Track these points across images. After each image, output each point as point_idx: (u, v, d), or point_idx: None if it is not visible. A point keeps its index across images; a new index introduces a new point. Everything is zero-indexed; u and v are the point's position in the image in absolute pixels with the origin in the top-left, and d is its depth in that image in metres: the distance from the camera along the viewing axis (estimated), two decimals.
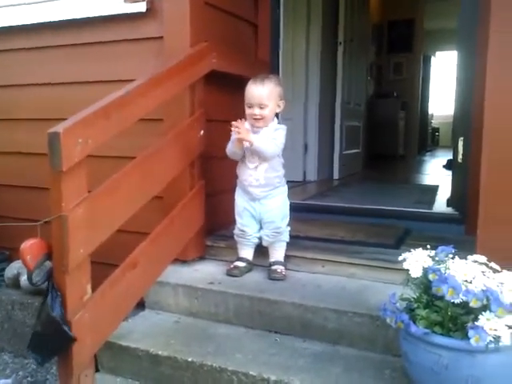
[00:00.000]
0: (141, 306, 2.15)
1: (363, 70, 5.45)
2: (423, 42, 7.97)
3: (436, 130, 11.41)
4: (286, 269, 2.18)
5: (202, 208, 2.33)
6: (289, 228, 2.22)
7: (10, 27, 2.71)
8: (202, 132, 2.28)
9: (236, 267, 2.21)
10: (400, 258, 1.52)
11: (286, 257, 2.24)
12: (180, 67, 2.04)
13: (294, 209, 2.87)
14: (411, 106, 7.77)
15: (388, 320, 1.42)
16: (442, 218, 2.72)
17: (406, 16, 7.50)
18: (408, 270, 1.45)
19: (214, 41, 2.31)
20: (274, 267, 2.17)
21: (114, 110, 1.71)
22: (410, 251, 1.51)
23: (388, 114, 7.11)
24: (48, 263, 1.64)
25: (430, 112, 10.29)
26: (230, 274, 2.19)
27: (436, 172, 5.69)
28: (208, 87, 2.32)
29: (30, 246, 1.60)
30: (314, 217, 2.88)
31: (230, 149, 2.12)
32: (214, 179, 2.47)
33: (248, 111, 2.08)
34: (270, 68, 2.86)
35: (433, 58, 10.41)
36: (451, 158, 5.96)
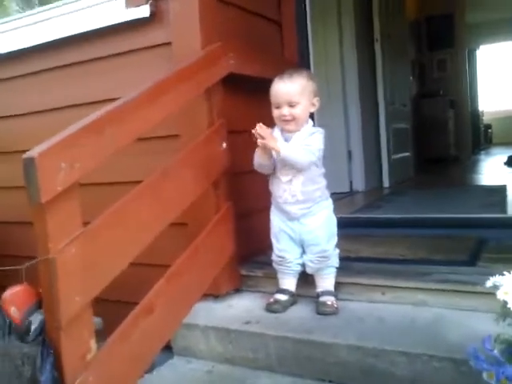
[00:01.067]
0: (168, 351, 1.83)
1: (405, 67, 5.02)
2: (466, 36, 7.44)
3: (488, 126, 10.70)
4: (337, 299, 1.80)
5: (231, 233, 1.99)
6: (337, 250, 1.84)
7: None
8: (224, 145, 1.95)
9: (276, 301, 1.84)
10: (488, 284, 1.13)
11: (337, 284, 1.86)
12: (189, 71, 1.73)
13: (342, 224, 2.47)
14: (460, 103, 7.22)
15: (485, 376, 1.01)
16: None
17: (445, 11, 7.03)
18: (505, 302, 1.04)
19: (230, 41, 1.99)
20: (322, 299, 1.79)
21: (108, 124, 1.40)
22: (490, 268, 1.11)
23: (435, 113, 6.59)
24: (41, 313, 1.35)
25: (479, 108, 9.63)
26: (269, 309, 1.82)
27: (497, 171, 5.15)
28: (228, 94, 2.00)
29: (13, 295, 1.33)
30: (366, 232, 2.48)
31: (257, 161, 1.78)
32: (246, 198, 2.13)
33: (276, 113, 1.74)
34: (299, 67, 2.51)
35: (477, 53, 9.80)
36: None
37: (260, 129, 1.66)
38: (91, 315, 1.40)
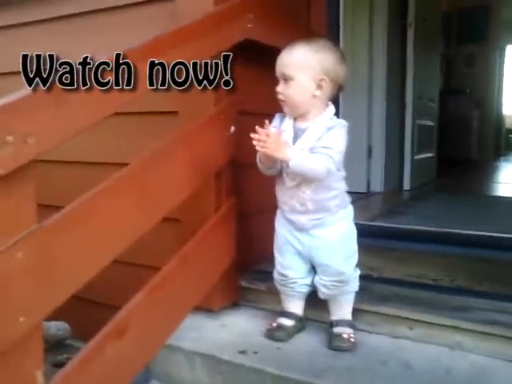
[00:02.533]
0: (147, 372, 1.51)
1: (436, 59, 4.61)
2: (499, 32, 6.98)
3: (510, 131, 10.22)
4: (355, 331, 1.46)
5: (232, 236, 1.65)
6: (358, 272, 1.49)
7: None
8: (232, 129, 1.59)
9: (280, 326, 1.50)
10: None
11: (354, 310, 1.52)
12: (194, 31, 1.36)
13: (360, 233, 2.15)
14: (485, 104, 6.81)
15: None
16: None
17: (481, 3, 6.58)
18: None
19: (249, 1, 1.62)
20: (337, 330, 1.45)
21: (74, 91, 1.04)
22: None
23: (460, 112, 6.19)
24: None
25: (503, 112, 9.18)
26: (271, 336, 1.49)
27: None
28: (242, 65, 1.62)
29: None
30: (387, 244, 2.13)
31: (259, 162, 1.41)
32: (251, 194, 1.78)
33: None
34: None
35: (506, 52, 9.33)
36: None
37: (264, 131, 1.27)
38: (40, 339, 1.07)
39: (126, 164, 1.26)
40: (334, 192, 1.40)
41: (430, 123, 4.39)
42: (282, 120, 1.42)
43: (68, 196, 1.13)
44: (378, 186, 3.65)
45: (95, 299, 1.85)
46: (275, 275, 1.53)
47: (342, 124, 1.36)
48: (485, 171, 6.04)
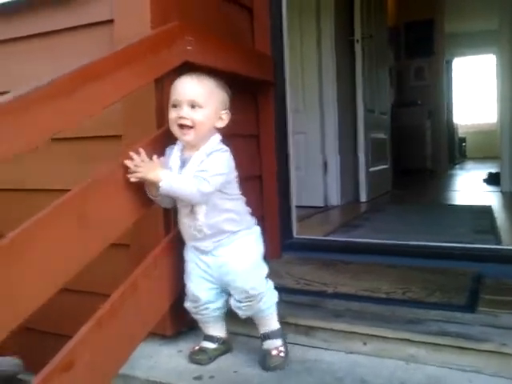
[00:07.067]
0: None
1: (385, 73, 4.74)
2: (445, 45, 7.25)
3: (462, 140, 10.58)
4: (285, 341, 1.45)
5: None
6: (270, 283, 1.45)
7: None
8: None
9: (201, 350, 1.49)
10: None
11: (309, 328, 1.52)
12: (130, 54, 1.33)
13: (315, 248, 2.16)
14: (437, 114, 7.00)
15: None
16: None
17: (425, 16, 6.82)
18: None
19: (189, 22, 1.61)
20: (265, 346, 1.43)
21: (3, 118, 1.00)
22: (493, 315, 0.95)
23: (413, 124, 6.36)
24: None
25: (455, 121, 9.50)
26: (192, 360, 1.47)
27: (477, 188, 4.91)
28: None
29: None
30: (343, 258, 2.13)
31: (148, 194, 1.40)
32: None
33: (172, 114, 1.37)
34: (272, 63, 2.16)
35: (453, 64, 9.69)
36: (492, 170, 5.30)
37: (136, 160, 1.29)
38: None
39: (68, 190, 1.22)
40: (228, 214, 1.40)
41: (382, 136, 4.49)
42: (171, 151, 1.42)
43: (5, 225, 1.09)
44: (334, 199, 3.69)
45: (48, 330, 1.80)
46: (187, 304, 1.50)
47: (222, 149, 1.37)
48: (440, 180, 6.20)
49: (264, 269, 1.45)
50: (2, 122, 0.99)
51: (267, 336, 1.44)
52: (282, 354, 1.41)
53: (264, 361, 1.41)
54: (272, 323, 1.45)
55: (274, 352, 1.41)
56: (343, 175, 3.75)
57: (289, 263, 2.12)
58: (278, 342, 1.43)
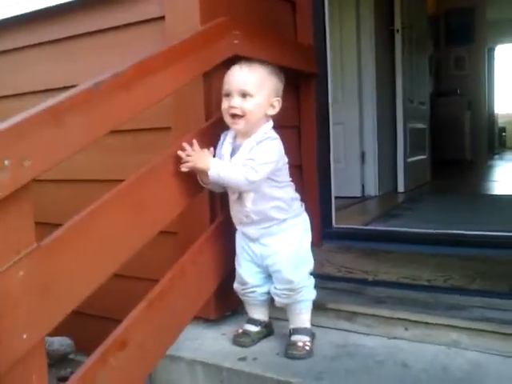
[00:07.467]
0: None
1: (425, 62, 4.68)
2: (486, 33, 7.06)
3: (502, 130, 10.31)
4: (313, 339, 1.48)
5: (229, 245, 1.68)
6: (312, 280, 1.50)
7: None
8: None
9: (244, 333, 1.55)
10: None
11: (351, 314, 1.56)
12: (182, 50, 1.40)
13: (355, 237, 2.17)
14: (477, 104, 6.85)
15: None
16: None
17: (466, 4, 6.66)
18: None
19: (236, 18, 1.67)
20: (293, 338, 1.47)
21: (70, 113, 1.08)
22: None
23: (452, 114, 6.24)
24: None
25: (495, 110, 9.26)
26: (235, 342, 1.54)
27: None
28: None
29: None
30: (384, 247, 2.16)
31: (200, 182, 1.46)
32: None
33: (225, 104, 1.41)
34: (315, 55, 2.19)
35: (495, 52, 9.41)
36: None
37: (186, 146, 1.36)
38: (43, 355, 1.09)
39: (122, 181, 1.30)
40: (276, 202, 1.43)
41: (421, 126, 4.45)
42: (224, 137, 1.47)
43: (64, 214, 1.17)
44: (372, 189, 3.69)
45: (98, 314, 1.88)
46: (235, 285, 1.56)
47: (271, 137, 1.40)
48: (479, 171, 6.09)
49: (309, 264, 1.49)
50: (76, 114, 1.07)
51: (296, 331, 1.49)
52: (307, 348, 1.44)
53: (288, 349, 1.44)
54: (304, 320, 1.49)
55: (300, 344, 1.45)
56: (381, 165, 3.75)
57: (329, 251, 2.16)
58: (306, 338, 1.47)
